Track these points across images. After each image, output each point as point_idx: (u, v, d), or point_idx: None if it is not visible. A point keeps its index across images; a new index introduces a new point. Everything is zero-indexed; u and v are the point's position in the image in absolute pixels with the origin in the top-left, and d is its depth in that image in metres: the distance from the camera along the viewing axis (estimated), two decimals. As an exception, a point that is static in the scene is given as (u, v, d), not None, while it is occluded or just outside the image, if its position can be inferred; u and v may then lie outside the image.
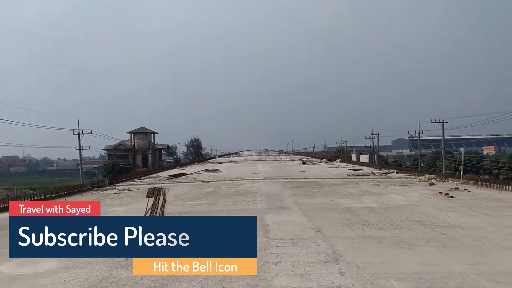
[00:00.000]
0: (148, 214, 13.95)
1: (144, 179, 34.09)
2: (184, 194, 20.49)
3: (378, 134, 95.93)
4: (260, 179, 29.26)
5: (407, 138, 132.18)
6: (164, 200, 18.43)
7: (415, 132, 76.81)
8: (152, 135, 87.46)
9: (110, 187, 26.71)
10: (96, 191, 24.47)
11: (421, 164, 72.36)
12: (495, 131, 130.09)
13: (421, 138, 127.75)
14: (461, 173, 45.79)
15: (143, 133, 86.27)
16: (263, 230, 10.53)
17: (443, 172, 46.13)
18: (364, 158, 53.30)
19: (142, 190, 23.68)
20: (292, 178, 29.12)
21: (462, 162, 48.66)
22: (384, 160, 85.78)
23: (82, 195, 21.95)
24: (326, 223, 11.40)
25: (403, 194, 18.18)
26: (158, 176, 36.37)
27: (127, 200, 19.06)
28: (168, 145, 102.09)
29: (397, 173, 33.19)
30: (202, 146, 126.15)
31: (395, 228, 10.56)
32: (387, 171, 34.41)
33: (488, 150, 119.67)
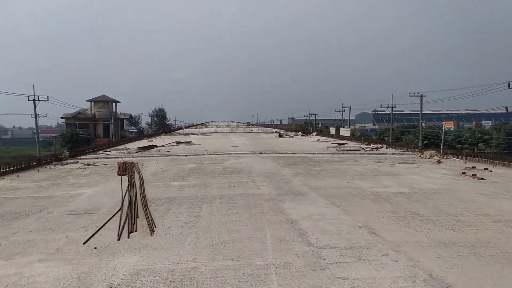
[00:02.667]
0: (126, 200, 10.75)
1: (110, 151, 30.40)
2: (163, 172, 17.27)
3: (350, 107, 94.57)
4: (243, 153, 26.28)
5: (370, 112, 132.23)
6: (142, 180, 15.20)
7: (388, 105, 75.44)
8: (114, 103, 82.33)
9: (72, 161, 23.04)
10: (55, 165, 20.77)
11: (386, 138, 71.40)
12: (455, 107, 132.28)
13: (384, 112, 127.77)
14: (441, 148, 44.39)
15: (104, 102, 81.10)
16: (296, 231, 7.63)
17: (420, 146, 44.62)
18: (345, 132, 51.04)
19: (110, 165, 20.30)
20: (279, 153, 26.31)
21: (442, 137, 47.38)
22: (351, 134, 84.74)
23: (38, 171, 18.29)
24: (372, 218, 8.62)
25: (423, 175, 15.71)
26: (126, 148, 32.71)
27: (94, 178, 15.66)
28: (131, 114, 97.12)
29: (387, 148, 31.02)
30: (167, 116, 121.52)
31: (469, 228, 7.91)
32: (375, 146, 32.18)
33: (448, 125, 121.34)
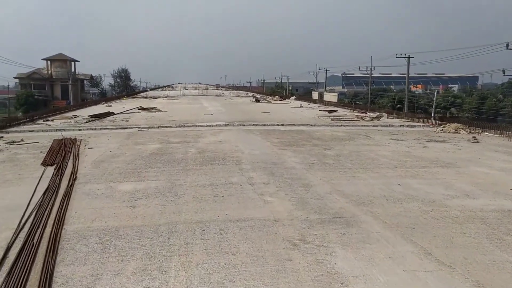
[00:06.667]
0: (24, 234, 5.44)
1: (53, 120, 24.37)
2: (111, 159, 11.84)
3: (326, 69, 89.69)
4: (221, 125, 20.97)
5: (340, 75, 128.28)
6: (74, 177, 9.80)
7: (367, 68, 71.29)
8: (73, 63, 74.51)
9: (-6, 137, 17.21)
10: (-38, 145, 14.96)
11: (358, 102, 67.46)
12: (422, 70, 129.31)
13: (353, 75, 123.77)
14: (433, 115, 40.14)
15: (62, 61, 73.28)
16: None
17: (404, 112, 40.48)
18: (331, 97, 45.95)
19: (42, 144, 14.80)
20: (264, 124, 21.16)
21: (434, 103, 43.27)
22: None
23: None
24: None
25: (488, 165, 11.00)
26: (75, 116, 26.66)
27: (1, 174, 10.10)
28: (91, 75, 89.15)
29: (387, 117, 26.38)
30: (131, 77, 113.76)
31: None
32: (374, 115, 27.42)
33: (417, 89, 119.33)
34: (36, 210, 7.02)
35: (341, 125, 21.65)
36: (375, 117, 25.83)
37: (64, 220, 6.46)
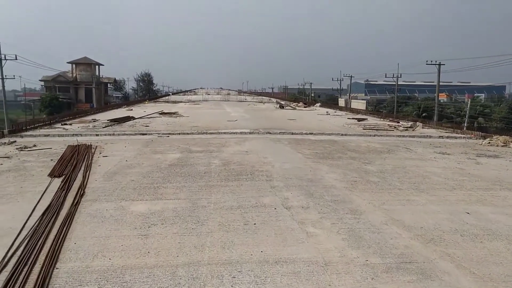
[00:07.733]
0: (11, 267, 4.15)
1: (71, 124, 23.46)
2: (125, 170, 10.59)
3: (351, 76, 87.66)
4: (246, 132, 19.62)
5: (362, 82, 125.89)
6: (81, 192, 8.55)
7: (393, 75, 69.22)
8: (97, 66, 74.88)
9: (7, 140, 16.30)
10: (-29, 150, 13.98)
11: (382, 110, 65.37)
12: (447, 78, 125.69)
13: (377, 83, 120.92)
14: (465, 124, 37.83)
15: (86, 64, 73.81)
16: None
17: (435, 121, 38.35)
18: (360, 104, 44.18)
19: (56, 150, 13.74)
20: (292, 133, 19.72)
21: (467, 112, 41.03)
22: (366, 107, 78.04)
23: None
24: None
25: None
26: (94, 120, 25.77)
27: (2, 186, 8.93)
28: (115, 78, 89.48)
29: (423, 127, 24.58)
30: (154, 81, 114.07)
31: None
32: (407, 124, 25.66)
33: (441, 98, 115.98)
34: (28, 238, 5.75)
35: (375, 135, 20.03)
36: (410, 127, 24.08)
37: (58, 255, 5.15)
